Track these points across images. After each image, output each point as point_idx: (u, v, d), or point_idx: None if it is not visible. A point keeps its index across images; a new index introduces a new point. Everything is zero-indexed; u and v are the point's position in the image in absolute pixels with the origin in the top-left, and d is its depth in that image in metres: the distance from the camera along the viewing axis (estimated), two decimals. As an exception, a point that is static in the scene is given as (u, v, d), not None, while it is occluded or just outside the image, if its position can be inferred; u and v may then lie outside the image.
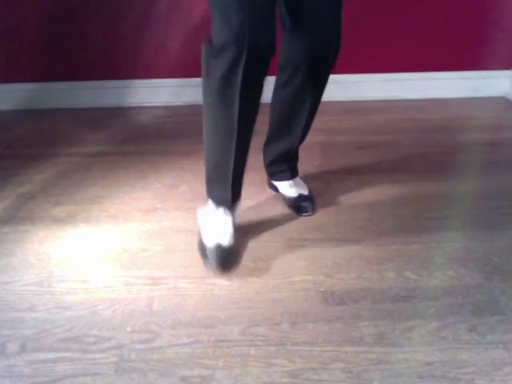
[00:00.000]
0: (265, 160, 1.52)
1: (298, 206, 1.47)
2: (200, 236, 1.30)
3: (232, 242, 1.24)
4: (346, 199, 1.53)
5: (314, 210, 1.47)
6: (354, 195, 1.55)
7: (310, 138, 1.89)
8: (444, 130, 1.99)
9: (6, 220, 1.45)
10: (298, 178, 1.53)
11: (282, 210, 1.49)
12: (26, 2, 2.05)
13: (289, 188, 1.50)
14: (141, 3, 2.07)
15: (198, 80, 1.25)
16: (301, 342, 1.04)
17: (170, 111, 2.19)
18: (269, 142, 1.49)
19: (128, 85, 2.23)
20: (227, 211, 1.28)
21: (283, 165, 1.50)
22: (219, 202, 1.28)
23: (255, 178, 1.61)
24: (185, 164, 1.76)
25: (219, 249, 1.21)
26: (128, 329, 1.07)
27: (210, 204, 1.30)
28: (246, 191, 1.56)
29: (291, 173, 1.51)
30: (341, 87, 2.23)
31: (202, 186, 1.58)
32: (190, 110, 2.10)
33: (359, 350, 1.02)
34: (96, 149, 1.87)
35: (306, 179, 1.63)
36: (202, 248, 1.27)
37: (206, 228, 1.28)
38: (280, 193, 1.53)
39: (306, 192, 1.50)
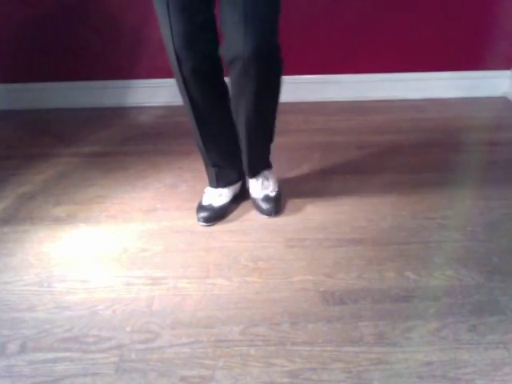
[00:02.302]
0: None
1: (259, 207, 1.45)
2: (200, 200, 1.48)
3: (221, 204, 1.43)
4: (346, 199, 1.53)
5: (276, 213, 1.44)
6: (354, 195, 1.55)
7: (311, 137, 1.91)
8: (444, 130, 1.99)
9: (6, 220, 1.45)
10: (264, 176, 1.47)
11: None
12: (25, 1, 2.05)
13: (255, 188, 1.47)
14: (141, 3, 2.07)
15: (198, 80, 1.26)
16: (301, 342, 1.04)
17: (170, 111, 2.19)
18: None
19: (128, 85, 2.23)
20: (221, 189, 1.45)
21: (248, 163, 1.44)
22: (210, 183, 1.48)
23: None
24: (185, 164, 1.76)
25: (208, 206, 1.43)
26: (128, 329, 1.07)
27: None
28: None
29: (250, 170, 1.45)
30: (341, 87, 2.23)
31: (201, 186, 1.58)
32: (190, 110, 2.10)
33: (359, 350, 1.02)
34: (96, 149, 1.87)
35: (306, 179, 1.63)
36: (198, 205, 1.46)
37: (206, 193, 1.48)
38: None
39: (272, 193, 1.46)
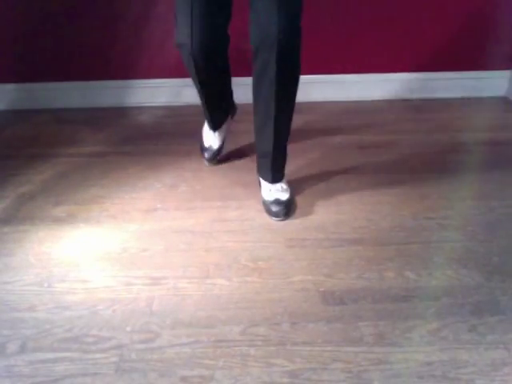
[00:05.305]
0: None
1: (269, 209, 1.44)
2: (202, 140, 1.75)
3: (218, 146, 1.71)
4: (346, 199, 1.53)
5: (286, 216, 1.43)
6: (354, 195, 1.55)
7: (311, 138, 1.91)
8: (444, 130, 1.99)
9: (6, 220, 1.45)
10: (281, 184, 1.48)
11: (282, 209, 1.49)
12: (25, 1, 2.05)
13: (268, 191, 1.47)
14: (141, 3, 2.07)
15: (198, 80, 1.26)
16: (301, 342, 1.04)
17: (170, 111, 2.19)
18: (255, 131, 1.46)
19: (128, 85, 2.23)
20: (217, 133, 1.70)
21: (266, 164, 1.46)
22: (209, 127, 1.70)
23: (254, 178, 1.62)
24: (185, 164, 1.76)
25: (210, 148, 1.72)
26: (128, 329, 1.07)
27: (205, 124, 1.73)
28: (246, 191, 1.57)
29: (272, 176, 1.47)
30: (341, 87, 2.23)
31: (201, 186, 1.59)
32: (190, 110, 2.10)
33: (359, 350, 1.02)
34: (96, 149, 1.87)
35: (307, 179, 1.63)
36: (201, 147, 1.75)
37: (205, 136, 1.74)
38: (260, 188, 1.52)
39: (284, 197, 1.45)
